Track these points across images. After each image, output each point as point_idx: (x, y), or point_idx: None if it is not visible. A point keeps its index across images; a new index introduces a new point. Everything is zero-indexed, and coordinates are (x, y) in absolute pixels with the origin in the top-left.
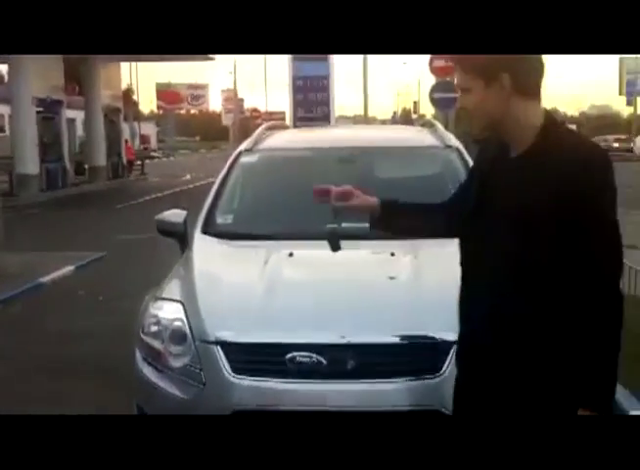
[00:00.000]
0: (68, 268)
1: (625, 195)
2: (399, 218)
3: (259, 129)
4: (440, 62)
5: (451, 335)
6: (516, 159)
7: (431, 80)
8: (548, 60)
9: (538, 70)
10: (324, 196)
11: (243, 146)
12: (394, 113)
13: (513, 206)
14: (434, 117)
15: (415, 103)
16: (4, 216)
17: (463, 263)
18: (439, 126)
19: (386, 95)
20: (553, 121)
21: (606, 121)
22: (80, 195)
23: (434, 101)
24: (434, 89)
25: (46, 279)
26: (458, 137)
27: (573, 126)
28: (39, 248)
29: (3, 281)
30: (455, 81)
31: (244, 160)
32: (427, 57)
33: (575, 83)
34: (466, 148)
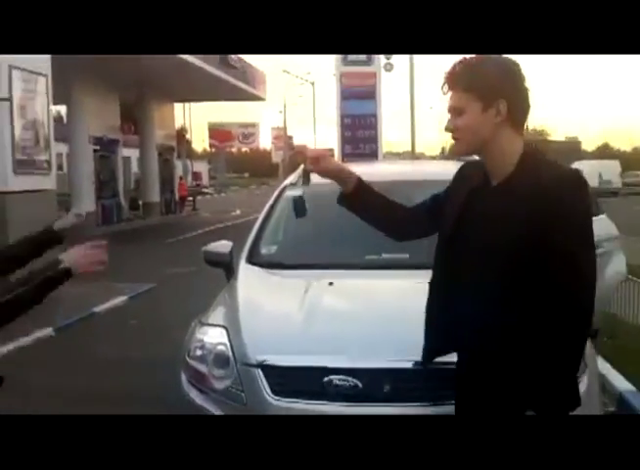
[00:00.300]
0: (121, 298)
1: None
2: (368, 202)
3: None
4: None
5: None
6: (494, 188)
7: None
8: (599, 97)
9: (528, 103)
10: (300, 155)
11: (288, 180)
12: (443, 148)
13: (490, 234)
14: None
15: None
16: (62, 250)
17: (437, 286)
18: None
19: (433, 131)
20: (531, 151)
21: None
22: (134, 230)
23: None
24: None
25: (99, 309)
26: None
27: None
28: (95, 279)
29: (59, 310)
30: (449, 102)
31: (288, 193)
32: None
33: (630, 118)
34: None
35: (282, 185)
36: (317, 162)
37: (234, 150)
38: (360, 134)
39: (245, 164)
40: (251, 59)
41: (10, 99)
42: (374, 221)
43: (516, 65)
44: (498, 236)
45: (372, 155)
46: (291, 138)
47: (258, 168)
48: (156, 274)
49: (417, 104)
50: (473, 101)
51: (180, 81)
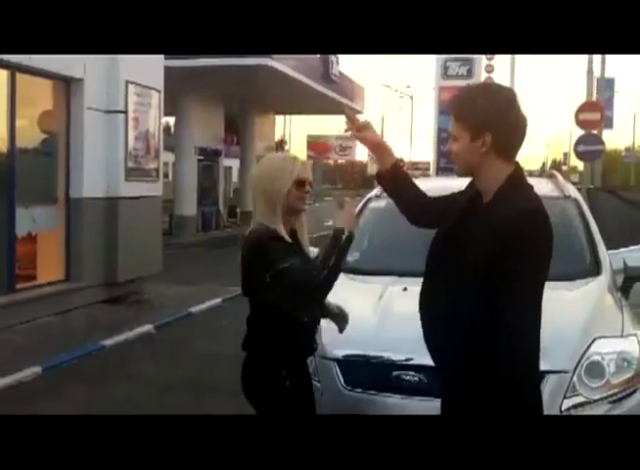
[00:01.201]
0: (216, 301)
1: None
2: (399, 184)
3: None
4: (585, 115)
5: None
6: (482, 207)
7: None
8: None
9: (518, 137)
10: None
11: (373, 193)
12: (543, 164)
13: (466, 250)
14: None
15: (565, 154)
16: (164, 253)
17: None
18: (559, 177)
19: (535, 146)
20: (515, 177)
21: None
22: (231, 236)
23: (578, 153)
24: (578, 141)
25: (195, 309)
26: (603, 188)
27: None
28: (193, 282)
29: (159, 309)
30: (452, 129)
31: (372, 205)
32: (574, 110)
33: None
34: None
35: (367, 197)
36: (360, 130)
37: (330, 161)
38: None
39: (340, 176)
40: (351, 73)
41: (125, 111)
42: (399, 201)
43: (509, 98)
44: (471, 252)
45: None
46: None
47: (353, 180)
48: None
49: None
50: (463, 130)
51: (282, 95)
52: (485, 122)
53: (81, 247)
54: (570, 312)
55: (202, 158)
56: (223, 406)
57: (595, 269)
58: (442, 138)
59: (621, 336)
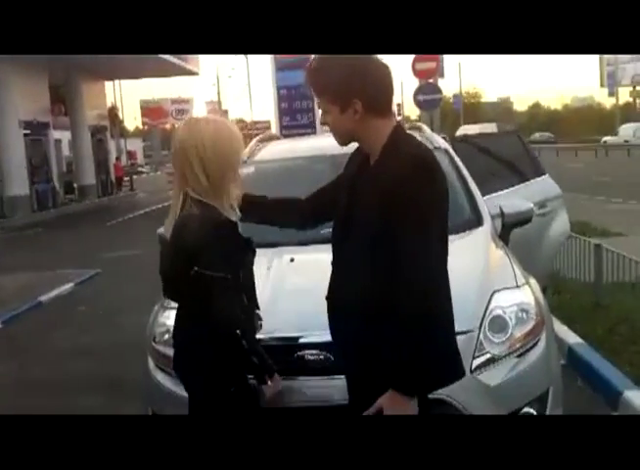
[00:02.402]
0: (68, 286)
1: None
2: (258, 211)
3: (252, 142)
4: (423, 64)
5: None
6: (370, 168)
7: (414, 82)
8: (527, 57)
9: (387, 91)
10: None
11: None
12: None
13: (360, 213)
14: (419, 118)
15: (399, 105)
16: None
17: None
18: (426, 129)
19: None
20: (398, 133)
21: (590, 113)
22: (71, 214)
23: (418, 103)
24: (417, 91)
25: (45, 298)
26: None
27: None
28: (34, 268)
29: (2, 303)
30: (320, 106)
31: (241, 172)
32: (409, 60)
33: (559, 77)
34: (454, 149)
35: None
36: None
37: (168, 126)
38: (297, 105)
39: None
40: None
41: None
42: (272, 222)
43: (363, 62)
44: (364, 214)
45: (310, 126)
46: (226, 112)
47: None
48: (99, 259)
49: None
50: (329, 104)
51: (108, 59)
52: (349, 91)
53: None
54: (462, 268)
55: (28, 132)
56: (98, 406)
57: (476, 220)
58: (282, 96)
59: (517, 286)
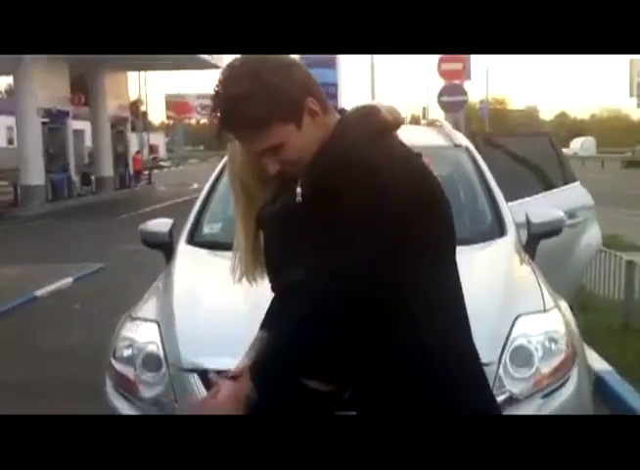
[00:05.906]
0: (67, 281)
1: None
2: None
3: None
4: (448, 65)
5: None
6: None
7: (439, 85)
8: (556, 66)
9: (312, 80)
10: None
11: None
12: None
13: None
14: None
15: (424, 109)
16: (5, 228)
17: None
18: (447, 125)
19: (395, 101)
20: (341, 125)
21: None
22: (85, 205)
23: (442, 104)
24: (442, 92)
25: (41, 292)
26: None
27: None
28: (39, 260)
29: None
30: (254, 148)
31: None
32: (435, 61)
33: (586, 87)
34: (476, 148)
35: (225, 159)
36: None
37: (192, 122)
38: None
39: (204, 137)
40: None
41: None
42: None
43: (280, 63)
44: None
45: None
46: None
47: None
48: (105, 253)
49: (377, 72)
50: (281, 128)
51: None
52: (299, 91)
53: None
54: (480, 286)
55: (47, 120)
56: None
57: (499, 229)
58: None
59: (544, 310)
